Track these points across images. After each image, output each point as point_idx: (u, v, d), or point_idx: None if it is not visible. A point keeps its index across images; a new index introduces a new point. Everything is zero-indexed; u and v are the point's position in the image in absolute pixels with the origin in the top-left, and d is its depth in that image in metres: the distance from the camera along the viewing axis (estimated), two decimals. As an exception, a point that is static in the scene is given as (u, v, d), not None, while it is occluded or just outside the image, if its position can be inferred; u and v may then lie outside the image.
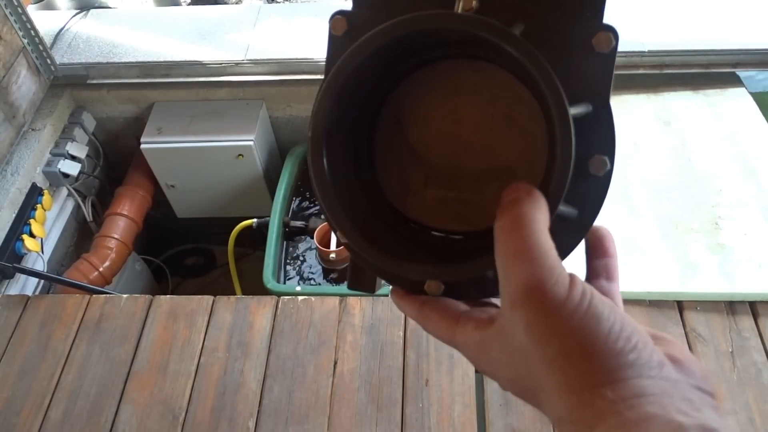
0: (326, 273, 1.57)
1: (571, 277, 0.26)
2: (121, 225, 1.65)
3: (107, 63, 1.67)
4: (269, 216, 1.57)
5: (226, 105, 1.69)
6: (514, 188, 0.27)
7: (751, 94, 1.55)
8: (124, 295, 1.25)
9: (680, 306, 1.14)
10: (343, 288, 1.47)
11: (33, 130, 1.59)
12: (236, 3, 2.53)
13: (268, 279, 1.44)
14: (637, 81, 1.57)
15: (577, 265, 0.31)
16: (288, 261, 1.60)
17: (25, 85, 1.58)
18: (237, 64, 1.65)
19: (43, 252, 1.50)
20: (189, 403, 1.08)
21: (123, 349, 1.15)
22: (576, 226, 0.30)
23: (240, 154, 1.63)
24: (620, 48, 0.29)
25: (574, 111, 0.27)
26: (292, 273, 1.58)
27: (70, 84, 1.69)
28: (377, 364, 1.10)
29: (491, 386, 1.05)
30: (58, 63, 1.67)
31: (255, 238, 1.72)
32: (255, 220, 1.63)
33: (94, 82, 1.69)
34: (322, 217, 1.64)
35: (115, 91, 1.72)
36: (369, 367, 1.10)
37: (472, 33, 0.27)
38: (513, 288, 0.26)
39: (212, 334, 1.17)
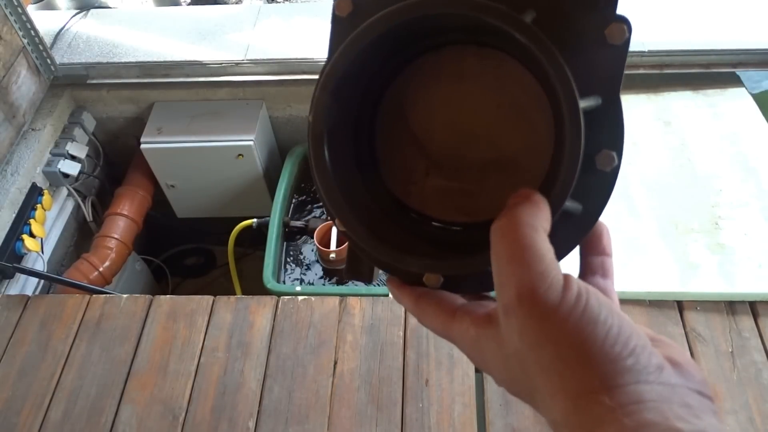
0: (326, 273, 1.57)
1: (566, 279, 0.26)
2: (121, 225, 1.65)
3: (107, 63, 1.67)
4: (269, 216, 1.57)
5: (226, 105, 1.69)
6: (517, 195, 0.27)
7: (751, 94, 1.55)
8: (124, 295, 1.25)
9: (680, 306, 1.14)
10: (343, 288, 1.47)
11: (33, 130, 1.59)
12: (236, 3, 2.53)
13: (268, 279, 1.44)
14: (637, 81, 1.57)
15: (572, 263, 0.31)
16: (288, 261, 1.60)
17: (25, 85, 1.58)
18: (237, 64, 1.65)
19: (43, 252, 1.50)
20: (189, 403, 1.08)
21: (123, 349, 1.15)
22: (580, 221, 0.30)
23: (240, 154, 1.63)
24: (620, 48, 0.28)
25: (583, 104, 0.26)
26: (292, 273, 1.58)
27: (70, 84, 1.69)
28: (377, 364, 1.10)
29: (491, 386, 1.05)
30: (58, 63, 1.67)
31: (255, 238, 1.72)
32: (255, 220, 1.63)
33: (94, 82, 1.69)
34: (323, 217, 1.64)
35: (115, 91, 1.72)
36: (369, 367, 1.10)
37: (481, 19, 0.26)
38: (506, 293, 0.26)
39: (212, 334, 1.17)
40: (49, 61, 1.65)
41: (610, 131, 0.28)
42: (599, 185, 0.29)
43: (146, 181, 1.76)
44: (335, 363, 1.11)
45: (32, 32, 1.58)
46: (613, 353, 0.24)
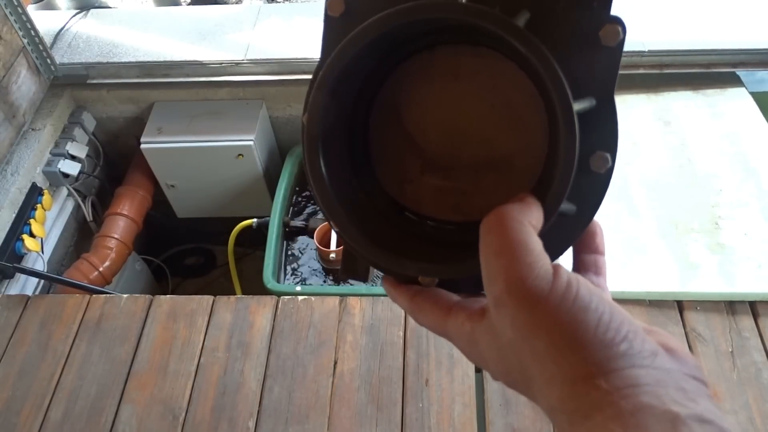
0: (326, 273, 1.57)
1: (556, 268, 0.26)
2: (121, 225, 1.65)
3: (107, 63, 1.67)
4: (269, 216, 1.57)
5: (226, 105, 1.69)
6: (510, 199, 0.28)
7: (751, 94, 1.55)
8: (124, 295, 1.25)
9: (680, 306, 1.14)
10: (343, 288, 1.47)
11: (33, 129, 1.59)
12: (236, 3, 2.53)
13: (268, 279, 1.44)
14: (637, 81, 1.57)
15: (566, 261, 0.31)
16: (288, 261, 1.60)
17: (25, 85, 1.58)
18: (237, 64, 1.65)
19: (43, 252, 1.50)
20: (189, 403, 1.08)
21: (123, 349, 1.15)
22: (574, 222, 0.30)
23: (240, 154, 1.63)
24: (620, 48, 0.28)
25: (577, 106, 0.26)
26: (292, 273, 1.58)
27: (70, 84, 1.69)
28: (377, 364, 1.10)
29: (491, 386, 1.05)
30: (58, 63, 1.67)
31: (255, 238, 1.72)
32: (255, 220, 1.63)
33: (94, 82, 1.69)
34: (323, 217, 1.64)
35: (115, 91, 1.72)
36: (369, 367, 1.10)
37: (476, 24, 0.26)
38: (495, 285, 0.26)
39: (212, 334, 1.17)
40: (49, 61, 1.65)
41: (604, 133, 0.28)
42: (593, 186, 0.29)
43: (146, 181, 1.76)
44: (335, 363, 1.11)
45: (32, 32, 1.58)
46: (607, 339, 0.24)
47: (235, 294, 1.57)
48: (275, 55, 1.65)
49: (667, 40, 1.56)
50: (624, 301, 1.14)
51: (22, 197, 1.48)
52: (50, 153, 1.61)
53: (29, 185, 1.51)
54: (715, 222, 1.25)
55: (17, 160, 1.51)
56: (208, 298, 1.22)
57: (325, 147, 0.31)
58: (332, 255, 1.50)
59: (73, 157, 1.63)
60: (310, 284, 1.54)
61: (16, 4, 1.51)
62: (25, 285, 1.47)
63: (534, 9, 0.28)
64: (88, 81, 1.69)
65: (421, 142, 0.34)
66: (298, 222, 1.60)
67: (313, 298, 1.21)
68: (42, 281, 1.50)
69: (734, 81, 1.58)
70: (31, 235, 1.45)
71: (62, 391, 1.10)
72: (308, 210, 1.70)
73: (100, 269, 1.55)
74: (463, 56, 0.32)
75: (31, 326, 1.20)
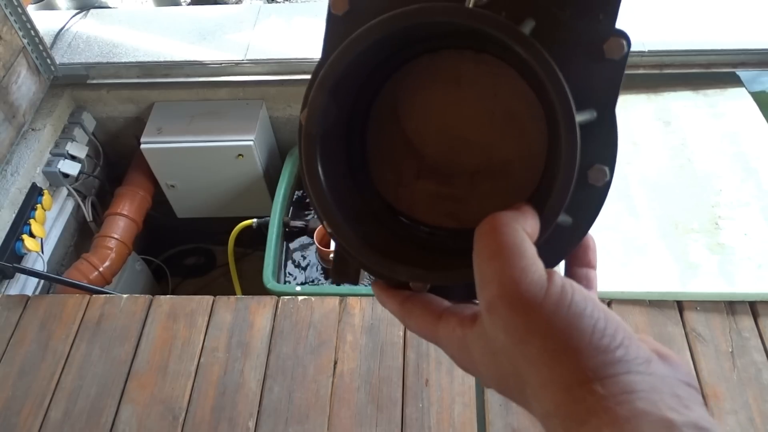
0: (326, 273, 1.57)
1: (550, 274, 0.26)
2: (121, 225, 1.65)
3: (107, 63, 1.67)
4: (269, 216, 1.57)
5: (226, 105, 1.69)
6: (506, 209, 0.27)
7: (751, 94, 1.55)
8: (124, 295, 1.25)
9: (680, 306, 1.14)
10: (343, 288, 1.47)
11: (33, 130, 1.59)
12: (236, 3, 2.53)
13: (268, 279, 1.44)
14: (637, 81, 1.57)
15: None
16: (288, 261, 1.60)
17: (25, 85, 1.58)
18: (237, 64, 1.65)
19: (43, 252, 1.50)
20: (189, 403, 1.08)
21: (123, 349, 1.15)
22: (570, 234, 0.30)
23: (240, 154, 1.63)
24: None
25: (579, 118, 0.26)
26: (292, 273, 1.58)
27: (70, 84, 1.69)
28: (377, 364, 1.10)
29: (491, 386, 1.05)
30: (58, 63, 1.67)
31: (255, 238, 1.72)
32: (255, 220, 1.63)
33: (94, 82, 1.69)
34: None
35: (115, 91, 1.72)
36: (369, 367, 1.10)
37: (480, 29, 0.26)
38: (488, 289, 0.26)
39: (212, 334, 1.17)
40: (49, 61, 1.65)
41: (603, 146, 0.28)
42: (590, 199, 0.29)
43: (146, 181, 1.76)
44: (335, 363, 1.11)
45: (32, 32, 1.58)
46: (602, 345, 0.24)
47: (235, 294, 1.57)
48: (275, 55, 1.65)
49: (667, 40, 1.56)
50: (624, 301, 1.14)
51: (22, 197, 1.48)
52: (50, 153, 1.61)
53: (29, 185, 1.51)
54: (715, 222, 1.25)
55: (17, 160, 1.51)
56: (208, 298, 1.22)
57: (322, 146, 0.30)
58: (332, 255, 1.50)
59: (73, 157, 1.63)
60: (311, 283, 1.54)
61: (16, 4, 1.51)
62: (25, 285, 1.47)
63: (540, 18, 0.27)
64: (88, 81, 1.69)
65: (419, 145, 0.33)
66: (298, 222, 1.60)
67: (313, 298, 1.21)
68: (42, 281, 1.50)
69: (734, 81, 1.58)
70: (31, 235, 1.45)
71: (62, 391, 1.10)
72: (308, 210, 1.70)
73: (100, 269, 1.55)
74: (466, 62, 0.31)
75: (31, 326, 1.20)
